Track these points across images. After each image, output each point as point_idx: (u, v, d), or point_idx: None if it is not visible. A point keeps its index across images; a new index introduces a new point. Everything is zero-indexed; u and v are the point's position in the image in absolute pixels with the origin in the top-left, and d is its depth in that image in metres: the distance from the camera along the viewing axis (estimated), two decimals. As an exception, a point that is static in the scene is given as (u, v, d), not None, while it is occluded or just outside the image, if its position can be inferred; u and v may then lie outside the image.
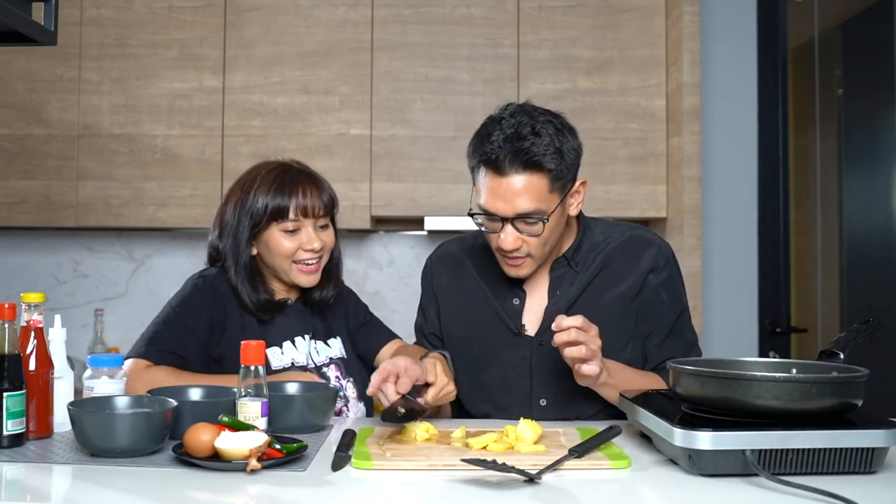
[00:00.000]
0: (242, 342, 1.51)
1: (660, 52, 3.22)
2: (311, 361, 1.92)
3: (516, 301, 1.87)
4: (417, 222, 3.33)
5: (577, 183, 1.78)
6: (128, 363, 1.72)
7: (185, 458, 1.36)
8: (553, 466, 1.34)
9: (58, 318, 1.66)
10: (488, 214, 1.73)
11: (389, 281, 3.50)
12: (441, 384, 1.64)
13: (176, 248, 3.60)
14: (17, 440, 1.47)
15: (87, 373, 1.61)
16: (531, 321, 1.86)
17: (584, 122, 3.21)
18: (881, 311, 3.18)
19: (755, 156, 3.43)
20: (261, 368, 1.50)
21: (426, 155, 3.23)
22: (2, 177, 3.25)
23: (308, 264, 1.86)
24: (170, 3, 3.27)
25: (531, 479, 1.28)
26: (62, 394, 1.59)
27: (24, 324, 1.57)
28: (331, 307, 2.01)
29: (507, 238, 1.72)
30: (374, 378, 1.59)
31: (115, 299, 3.58)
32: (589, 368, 1.62)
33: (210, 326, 1.82)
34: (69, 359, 1.66)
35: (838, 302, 3.55)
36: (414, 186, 3.22)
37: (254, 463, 1.31)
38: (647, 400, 1.55)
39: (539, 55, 3.23)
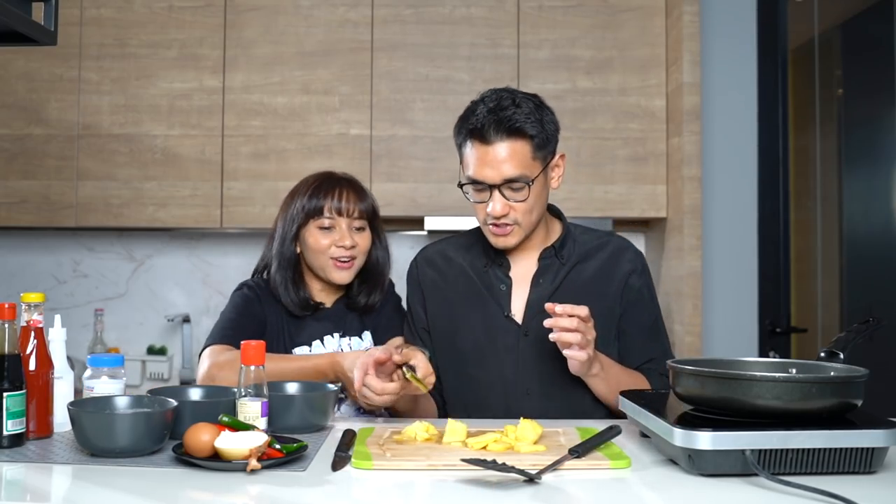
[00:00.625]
0: (242, 342, 1.51)
1: (660, 52, 3.22)
2: None
3: (503, 287, 1.92)
4: (417, 222, 3.33)
5: (557, 156, 1.89)
6: (206, 351, 1.88)
7: (185, 458, 1.36)
8: (553, 466, 1.34)
9: (58, 318, 1.66)
10: (476, 183, 1.82)
11: (389, 281, 3.50)
12: (424, 365, 1.66)
13: (176, 248, 3.60)
14: (17, 440, 1.47)
15: (87, 373, 1.61)
16: (517, 309, 1.91)
17: (584, 122, 3.22)
18: (881, 311, 3.18)
19: (755, 156, 3.43)
20: (261, 368, 1.50)
21: (426, 155, 3.23)
22: (2, 177, 3.25)
23: (342, 261, 1.99)
24: (170, 3, 3.27)
25: (531, 479, 1.28)
26: (62, 394, 1.59)
27: (24, 324, 1.57)
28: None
29: (496, 205, 1.80)
30: (357, 374, 1.65)
31: (115, 299, 3.58)
32: (576, 354, 1.68)
33: (261, 323, 1.98)
34: (69, 359, 1.66)
35: (838, 302, 3.54)
36: (414, 186, 3.22)
37: (254, 463, 1.31)
38: (647, 400, 1.56)
39: (539, 55, 3.23)
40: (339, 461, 1.39)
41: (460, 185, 1.86)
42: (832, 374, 1.42)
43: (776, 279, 3.40)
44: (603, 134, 3.21)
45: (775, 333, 3.37)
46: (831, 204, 3.57)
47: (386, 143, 3.23)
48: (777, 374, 1.38)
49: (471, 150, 1.82)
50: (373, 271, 2.07)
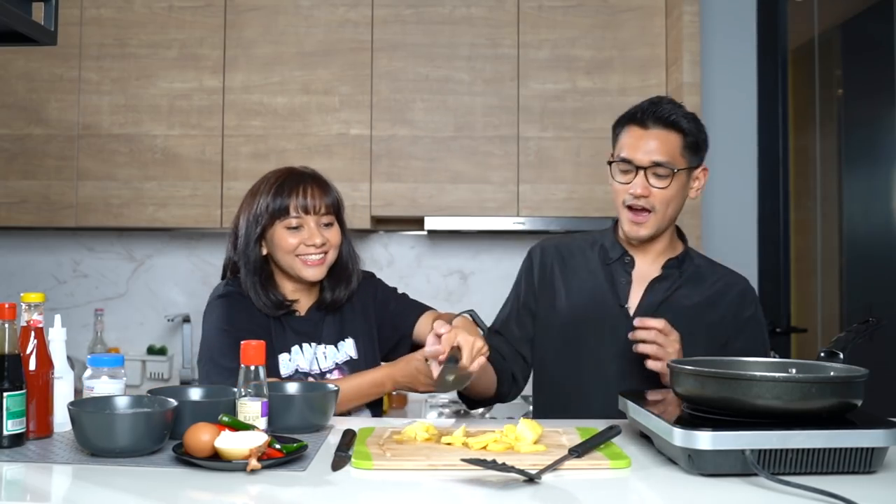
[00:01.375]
0: (242, 342, 1.51)
1: (660, 52, 3.22)
2: (315, 367, 1.96)
3: (624, 281, 2.00)
4: (417, 222, 3.33)
5: (701, 168, 1.99)
6: None
7: (185, 458, 1.36)
8: (553, 466, 1.34)
9: (58, 318, 1.66)
10: (625, 162, 1.94)
11: (389, 281, 3.46)
12: (468, 343, 1.66)
13: (176, 248, 3.60)
14: (17, 440, 1.47)
15: (87, 373, 1.61)
16: (632, 304, 1.99)
17: (584, 122, 3.22)
18: (881, 311, 3.18)
19: (755, 156, 3.43)
20: (261, 369, 1.50)
21: (426, 155, 3.23)
22: (2, 177, 3.25)
23: (313, 259, 1.94)
24: (170, 3, 3.27)
25: (531, 479, 1.28)
26: (62, 394, 1.59)
27: (24, 324, 1.57)
28: (349, 307, 2.04)
29: (638, 185, 1.92)
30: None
31: (115, 299, 3.58)
32: (653, 364, 1.77)
33: (263, 326, 1.93)
34: (69, 359, 1.66)
35: (838, 302, 3.54)
36: (414, 186, 3.22)
37: (254, 463, 1.31)
38: (647, 400, 1.56)
39: (539, 55, 3.23)
40: (339, 461, 1.39)
41: (609, 162, 1.99)
42: (832, 374, 1.42)
43: (776, 279, 3.40)
44: (603, 134, 3.19)
45: (775, 333, 3.36)
46: (831, 204, 3.57)
47: (386, 143, 3.23)
48: (777, 374, 1.38)
49: (627, 133, 1.96)
50: (340, 266, 2.01)
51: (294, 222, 1.93)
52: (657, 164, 1.91)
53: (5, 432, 1.45)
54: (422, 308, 2.09)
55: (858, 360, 1.44)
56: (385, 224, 3.49)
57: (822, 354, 1.51)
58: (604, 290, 2.00)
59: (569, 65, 3.23)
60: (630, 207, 1.94)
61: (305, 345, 1.97)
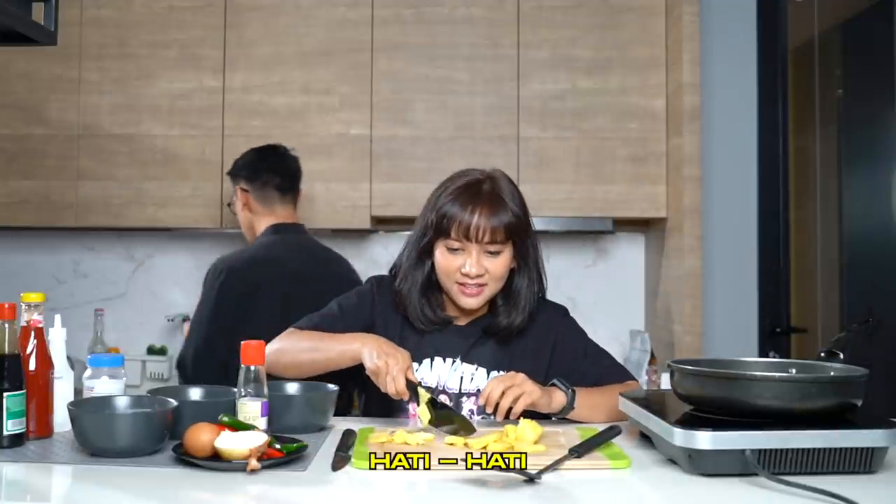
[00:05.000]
0: (242, 342, 1.51)
1: (660, 52, 3.22)
2: (448, 386, 1.82)
3: None
4: (417, 222, 3.33)
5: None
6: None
7: (185, 458, 1.36)
8: (553, 466, 1.34)
9: (58, 318, 1.66)
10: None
11: (389, 281, 3.50)
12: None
13: (176, 248, 3.60)
14: (17, 440, 1.47)
15: (87, 373, 1.61)
16: None
17: (584, 122, 3.22)
18: (881, 311, 3.17)
19: (755, 156, 3.43)
20: (261, 369, 1.50)
21: (426, 155, 3.22)
22: (2, 177, 3.25)
23: (469, 286, 1.79)
24: (170, 3, 3.27)
25: (531, 479, 1.28)
26: (62, 394, 1.59)
27: (24, 324, 1.57)
28: (521, 341, 1.86)
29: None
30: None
31: (115, 299, 3.58)
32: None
33: (363, 325, 1.85)
34: (69, 359, 1.66)
35: (838, 302, 3.54)
36: (414, 186, 3.22)
37: (254, 463, 1.31)
38: (647, 400, 1.56)
39: (539, 55, 3.23)
40: (339, 461, 1.39)
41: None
42: (832, 374, 1.42)
43: (776, 279, 3.40)
44: (603, 134, 3.20)
45: (775, 333, 3.36)
46: (831, 204, 3.57)
47: (386, 143, 3.23)
48: (776, 374, 1.38)
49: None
50: (514, 295, 1.83)
51: (455, 245, 1.77)
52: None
53: (5, 432, 1.45)
54: (617, 375, 1.85)
55: (858, 360, 1.44)
56: (385, 224, 3.49)
57: (822, 354, 1.51)
58: None
59: (569, 65, 3.23)
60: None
61: (439, 359, 1.83)
